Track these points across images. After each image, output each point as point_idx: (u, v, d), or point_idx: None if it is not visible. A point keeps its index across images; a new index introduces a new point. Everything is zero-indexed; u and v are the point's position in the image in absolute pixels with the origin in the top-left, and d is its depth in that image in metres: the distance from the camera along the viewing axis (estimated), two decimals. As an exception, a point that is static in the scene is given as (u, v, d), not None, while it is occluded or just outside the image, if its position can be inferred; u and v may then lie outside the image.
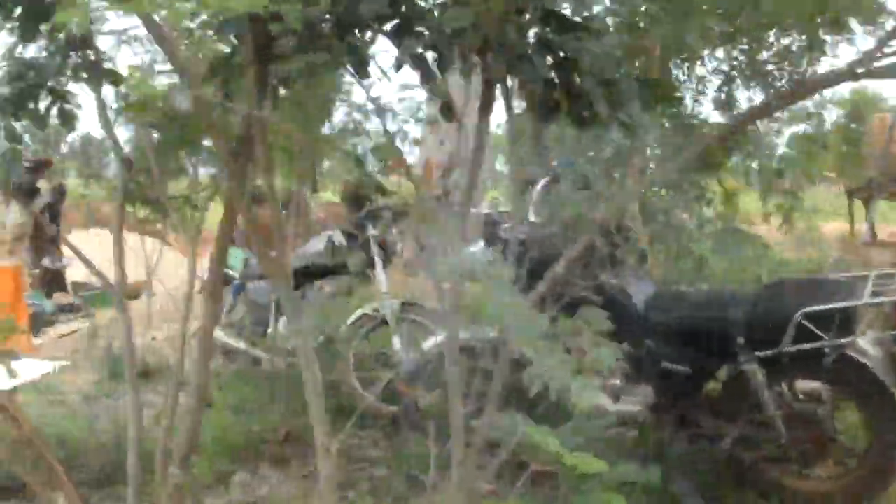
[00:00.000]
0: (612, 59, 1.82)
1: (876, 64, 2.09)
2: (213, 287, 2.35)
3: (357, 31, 1.77)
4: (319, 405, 2.12)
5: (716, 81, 3.50)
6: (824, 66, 2.97)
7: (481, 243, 3.64)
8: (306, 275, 4.77)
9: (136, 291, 9.45)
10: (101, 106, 2.28)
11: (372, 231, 4.71)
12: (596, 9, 2.16)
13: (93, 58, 2.13)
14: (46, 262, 8.66)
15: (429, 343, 3.76)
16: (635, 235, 3.60)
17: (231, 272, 5.23)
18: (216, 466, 3.75)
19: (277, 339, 4.89)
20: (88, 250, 2.66)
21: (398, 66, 1.77)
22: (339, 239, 4.71)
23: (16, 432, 2.60)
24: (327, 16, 1.70)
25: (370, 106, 2.46)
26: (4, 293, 6.19)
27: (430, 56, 1.76)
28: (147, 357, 5.15)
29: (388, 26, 1.76)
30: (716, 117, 3.69)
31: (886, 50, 2.06)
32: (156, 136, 2.49)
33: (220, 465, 3.79)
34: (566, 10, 1.85)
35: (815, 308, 2.89)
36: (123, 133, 2.68)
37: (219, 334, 5.21)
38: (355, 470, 3.80)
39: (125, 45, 2.50)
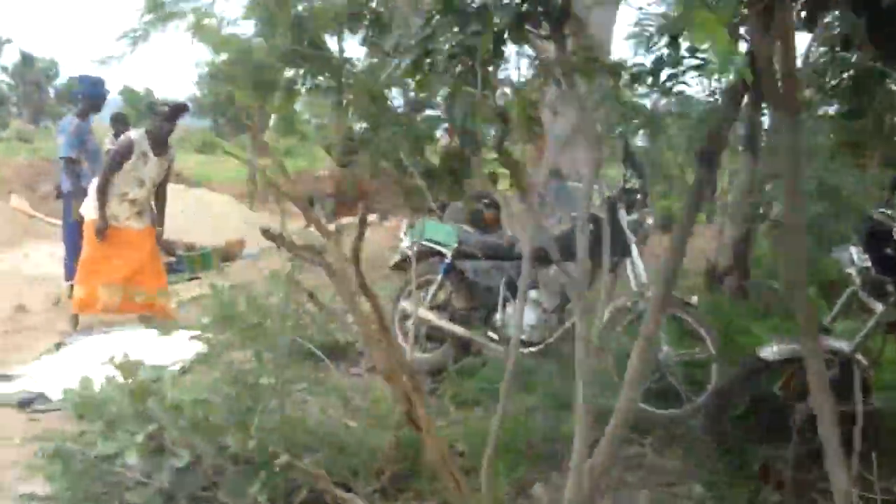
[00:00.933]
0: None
1: None
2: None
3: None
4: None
5: None
6: None
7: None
8: (540, 259, 4.29)
9: (233, 253, 9.05)
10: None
11: (624, 213, 4.26)
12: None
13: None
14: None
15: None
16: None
17: (437, 246, 4.82)
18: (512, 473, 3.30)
19: (505, 324, 4.48)
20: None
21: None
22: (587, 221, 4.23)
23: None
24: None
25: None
26: (145, 254, 5.91)
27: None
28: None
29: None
30: None
31: None
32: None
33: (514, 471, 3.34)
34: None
35: None
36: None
37: (427, 314, 4.79)
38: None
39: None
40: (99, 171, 6.35)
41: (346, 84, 12.04)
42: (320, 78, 12.46)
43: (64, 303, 6.46)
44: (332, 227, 10.12)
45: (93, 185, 5.84)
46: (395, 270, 5.44)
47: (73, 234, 6.52)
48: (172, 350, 4.43)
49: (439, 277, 4.81)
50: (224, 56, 12.34)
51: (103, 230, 5.65)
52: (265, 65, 11.09)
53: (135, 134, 5.83)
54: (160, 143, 5.83)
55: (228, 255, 8.81)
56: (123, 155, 5.71)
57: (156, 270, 5.98)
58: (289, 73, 13.08)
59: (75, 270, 6.41)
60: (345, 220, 10.39)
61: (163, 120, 5.79)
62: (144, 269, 5.87)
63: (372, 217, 10.52)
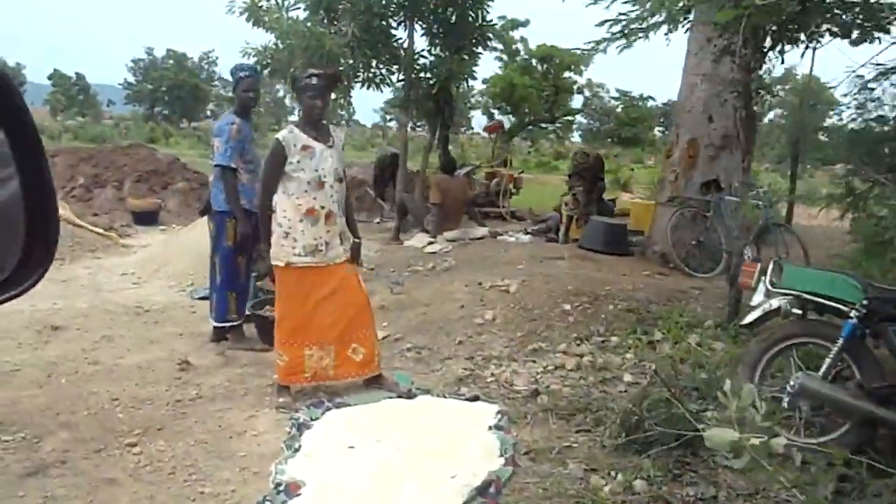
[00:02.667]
0: None
1: None
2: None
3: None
4: None
5: None
6: None
7: None
8: None
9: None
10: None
11: None
12: None
13: None
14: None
15: None
16: None
17: (829, 302, 3.88)
18: None
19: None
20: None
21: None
22: None
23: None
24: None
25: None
26: (356, 295, 4.67)
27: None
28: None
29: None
30: None
31: None
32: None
33: None
34: None
35: None
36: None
37: (832, 392, 3.77)
38: None
39: None
40: (250, 187, 5.11)
41: (416, 78, 10.65)
42: (391, 68, 11.03)
43: (229, 354, 5.35)
44: (445, 238, 8.89)
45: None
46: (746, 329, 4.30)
47: (228, 261, 5.52)
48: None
49: (838, 343, 3.72)
50: (281, 42, 10.93)
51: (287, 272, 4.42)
52: (334, 53, 9.70)
53: (282, 132, 4.45)
54: (319, 127, 4.48)
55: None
56: (276, 159, 4.34)
57: (369, 315, 4.64)
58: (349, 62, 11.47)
59: (228, 307, 5.25)
60: (448, 232, 9.08)
61: (315, 95, 4.37)
62: (359, 316, 4.54)
63: (483, 231, 9.24)
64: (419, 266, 8.25)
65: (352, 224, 4.61)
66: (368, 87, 12.32)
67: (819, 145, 7.96)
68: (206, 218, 6.56)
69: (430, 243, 9.00)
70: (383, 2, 11.27)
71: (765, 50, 5.21)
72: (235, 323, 5.57)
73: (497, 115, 32.41)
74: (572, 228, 9.38)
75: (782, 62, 5.31)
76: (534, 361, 5.09)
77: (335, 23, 11.17)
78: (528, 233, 9.98)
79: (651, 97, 67.03)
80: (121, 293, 7.40)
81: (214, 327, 5.68)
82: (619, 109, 61.56)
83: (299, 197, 4.30)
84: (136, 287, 7.73)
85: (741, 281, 4.33)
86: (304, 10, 11.33)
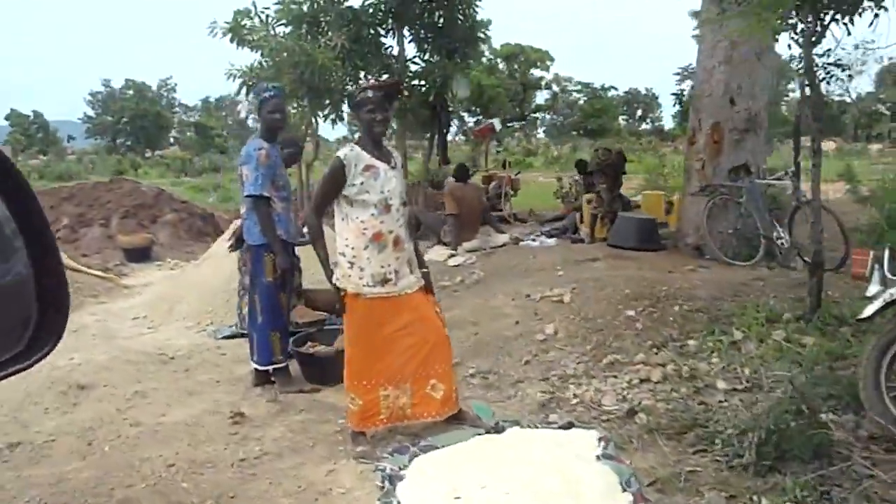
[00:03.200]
0: None
1: None
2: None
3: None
4: None
5: None
6: None
7: None
8: None
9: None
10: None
11: None
12: None
13: None
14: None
15: None
16: None
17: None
18: None
19: None
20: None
21: None
22: None
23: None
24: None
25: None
26: (432, 327, 4.16)
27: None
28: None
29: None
30: None
31: None
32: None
33: None
34: None
35: None
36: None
37: None
38: None
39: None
40: (285, 216, 4.71)
41: (410, 86, 10.24)
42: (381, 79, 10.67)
43: (282, 400, 4.89)
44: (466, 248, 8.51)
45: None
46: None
47: (270, 298, 5.12)
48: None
49: None
50: (268, 60, 10.48)
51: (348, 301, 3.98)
52: (326, 67, 9.27)
53: (342, 150, 4.00)
54: (381, 146, 4.07)
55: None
56: (335, 179, 3.89)
57: (448, 348, 4.24)
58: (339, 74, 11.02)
59: (273, 349, 5.16)
60: (467, 243, 8.70)
61: (373, 109, 3.90)
62: (437, 349, 4.14)
63: (504, 238, 8.87)
64: (446, 281, 7.86)
65: (417, 251, 4.21)
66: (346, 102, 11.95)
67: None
68: (216, 250, 6.16)
69: (451, 256, 8.60)
70: (370, 10, 10.89)
71: (824, 20, 4.88)
72: (282, 365, 5.14)
73: (468, 119, 32.16)
74: (597, 227, 9.04)
75: (848, 33, 4.99)
76: (615, 376, 4.72)
77: (321, 36, 10.76)
78: (550, 235, 9.64)
79: (613, 87, 67.37)
80: (138, 340, 6.93)
81: (257, 370, 5.25)
82: (580, 102, 61.82)
83: (364, 221, 3.88)
84: (153, 332, 7.25)
85: (853, 271, 3.99)
86: (287, 24, 10.92)
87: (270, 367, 5.13)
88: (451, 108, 12.26)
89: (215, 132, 56.32)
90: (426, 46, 11.35)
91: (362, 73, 10.91)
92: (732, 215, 7.86)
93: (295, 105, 11.27)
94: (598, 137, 51.52)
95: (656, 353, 4.92)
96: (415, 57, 11.36)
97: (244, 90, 11.15)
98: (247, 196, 5.00)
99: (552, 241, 8.95)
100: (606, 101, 62.62)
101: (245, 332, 6.72)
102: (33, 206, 1.09)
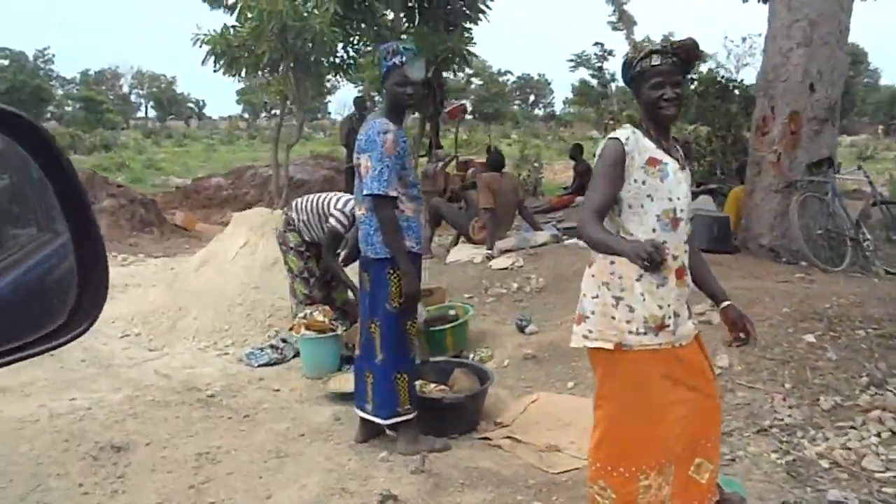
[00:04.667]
0: None
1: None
2: None
3: None
4: None
5: None
6: None
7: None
8: None
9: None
10: None
11: None
12: None
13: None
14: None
15: None
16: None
17: None
18: None
19: None
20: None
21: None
22: None
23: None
24: None
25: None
26: (707, 388, 2.97)
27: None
28: None
29: None
30: None
31: None
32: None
33: None
34: None
35: None
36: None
37: None
38: None
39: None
40: (416, 222, 3.63)
41: None
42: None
43: (429, 468, 3.65)
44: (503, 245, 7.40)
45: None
46: None
47: (395, 330, 3.93)
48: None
49: None
50: (243, 22, 9.00)
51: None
52: (322, 34, 7.96)
53: (620, 131, 2.74)
54: (668, 136, 2.90)
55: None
56: (615, 169, 2.67)
57: (719, 416, 3.13)
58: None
59: (399, 396, 3.97)
60: (501, 241, 7.67)
61: (662, 83, 2.66)
62: (709, 418, 2.96)
63: (545, 236, 7.84)
64: (499, 288, 6.74)
65: (708, 277, 3.02)
66: (336, 75, 10.59)
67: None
68: (217, 250, 4.88)
69: (489, 256, 7.48)
70: (365, -28, 9.56)
71: None
72: (409, 417, 3.92)
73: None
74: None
75: None
76: (850, 427, 3.77)
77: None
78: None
79: (509, 71, 67.25)
80: (145, 368, 5.47)
81: (365, 421, 4.01)
82: (473, 86, 61.33)
83: (635, 233, 2.73)
84: (157, 355, 5.79)
85: None
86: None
87: (395, 421, 3.89)
88: (445, 87, 11.08)
89: (105, 107, 52.32)
90: (422, 17, 10.10)
91: (355, 43, 9.57)
92: (818, 215, 7.11)
93: (271, 77, 9.81)
94: (493, 122, 51.00)
95: (881, 395, 4.00)
96: (409, 27, 10.09)
97: (212, 59, 9.60)
98: (367, 195, 3.73)
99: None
100: (501, 85, 62.30)
101: (278, 356, 5.46)
102: (75, 184, 1.10)
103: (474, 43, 9.93)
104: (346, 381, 4.83)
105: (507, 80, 64.53)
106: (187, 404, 4.72)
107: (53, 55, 65.52)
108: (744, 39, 59.01)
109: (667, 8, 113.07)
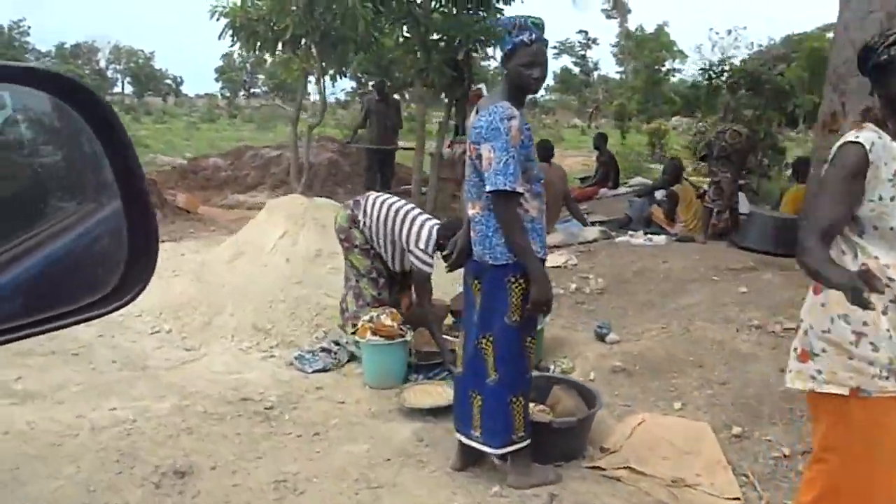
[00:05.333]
0: None
1: None
2: None
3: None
4: None
5: None
6: None
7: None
8: None
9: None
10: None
11: None
12: None
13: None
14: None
15: None
16: None
17: None
18: None
19: None
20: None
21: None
22: None
23: None
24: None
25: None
26: None
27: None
28: None
29: None
30: None
31: None
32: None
33: None
34: None
35: None
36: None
37: None
38: None
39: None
40: (540, 222, 3.37)
41: (433, 41, 8.44)
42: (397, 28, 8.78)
43: None
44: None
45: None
46: None
47: (513, 347, 3.42)
48: None
49: None
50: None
51: None
52: (353, 10, 7.44)
53: (863, 134, 2.29)
54: None
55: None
56: (855, 177, 2.24)
57: None
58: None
59: (513, 422, 3.45)
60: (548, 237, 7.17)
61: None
62: None
63: (595, 232, 7.41)
64: (556, 287, 6.26)
65: None
66: (356, 53, 10.01)
67: None
68: (251, 238, 4.44)
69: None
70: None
71: None
72: (523, 445, 3.43)
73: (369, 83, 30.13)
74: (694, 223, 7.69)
75: None
76: None
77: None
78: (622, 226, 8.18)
79: (492, 57, 66.69)
80: (184, 371, 4.93)
81: (464, 446, 3.53)
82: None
83: (888, 264, 2.27)
84: (194, 355, 5.25)
85: None
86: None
87: (508, 450, 3.41)
88: (474, 71, 10.55)
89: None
90: (450, -5, 9.54)
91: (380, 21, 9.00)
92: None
93: (291, 54, 9.20)
94: None
95: None
96: (438, 5, 9.51)
97: (230, 33, 8.97)
98: (490, 192, 3.23)
99: (661, 239, 7.45)
100: (484, 71, 61.60)
101: (332, 361, 4.97)
102: (130, 154, 1.11)
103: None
104: (423, 395, 4.36)
105: (489, 66, 64.08)
106: (245, 417, 4.21)
107: (29, 27, 63.65)
108: (729, 32, 59.34)
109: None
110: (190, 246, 9.05)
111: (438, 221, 5.01)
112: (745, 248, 6.85)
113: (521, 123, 3.26)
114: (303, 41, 8.94)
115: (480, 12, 9.55)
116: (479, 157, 3.28)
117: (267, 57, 10.47)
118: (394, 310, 4.81)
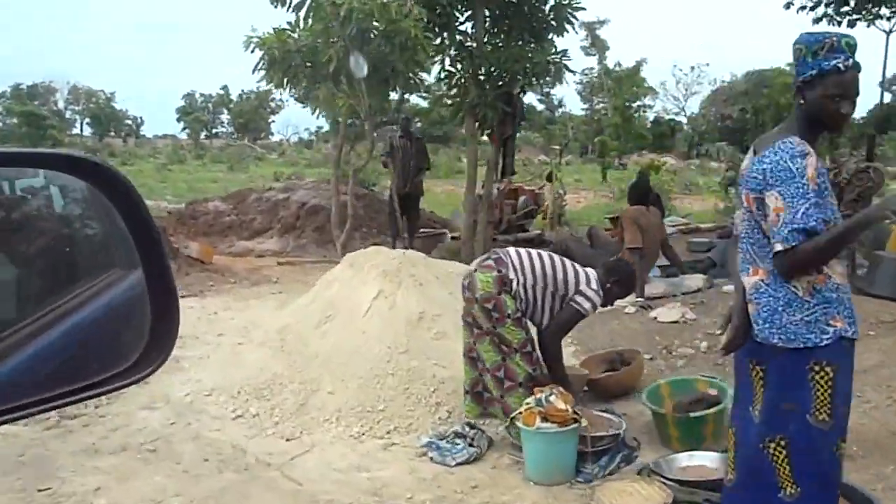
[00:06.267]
0: None
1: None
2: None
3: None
4: None
5: None
6: None
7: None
8: None
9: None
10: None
11: None
12: None
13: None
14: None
15: None
16: None
17: None
18: None
19: None
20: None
21: None
22: None
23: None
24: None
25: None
26: None
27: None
28: None
29: None
30: None
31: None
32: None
33: None
34: None
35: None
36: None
37: None
38: None
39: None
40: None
41: (487, 75, 7.75)
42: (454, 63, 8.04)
43: None
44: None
45: None
46: None
47: (816, 445, 2.64)
48: None
49: None
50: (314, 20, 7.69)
51: None
52: (416, 39, 6.74)
53: None
54: None
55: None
56: None
57: None
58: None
59: None
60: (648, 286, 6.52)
61: None
62: None
63: (698, 281, 6.70)
64: (686, 347, 5.55)
65: None
66: (395, 88, 9.26)
67: None
68: (333, 296, 3.82)
69: (645, 306, 6.26)
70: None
71: None
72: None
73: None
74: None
75: None
76: None
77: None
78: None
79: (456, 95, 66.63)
80: (300, 469, 4.03)
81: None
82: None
83: None
84: (299, 446, 4.34)
85: None
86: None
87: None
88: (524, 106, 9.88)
89: (49, 122, 49.26)
90: (503, 26, 8.88)
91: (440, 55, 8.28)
92: None
93: (335, 88, 8.40)
94: (442, 145, 49.77)
95: None
96: (492, 39, 8.85)
97: (266, 64, 8.17)
98: (780, 251, 2.47)
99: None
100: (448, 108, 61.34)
101: (475, 449, 4.14)
102: (150, 226, 1.12)
103: (569, 57, 8.71)
104: (622, 496, 3.53)
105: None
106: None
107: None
108: (692, 68, 60.15)
109: (641, 34, 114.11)
110: (222, 303, 8.14)
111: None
112: (875, 295, 6.19)
113: (818, 164, 2.52)
114: (342, 74, 8.17)
115: (531, 45, 8.89)
116: (762, 207, 2.53)
117: (286, 93, 9.58)
118: (562, 389, 3.98)
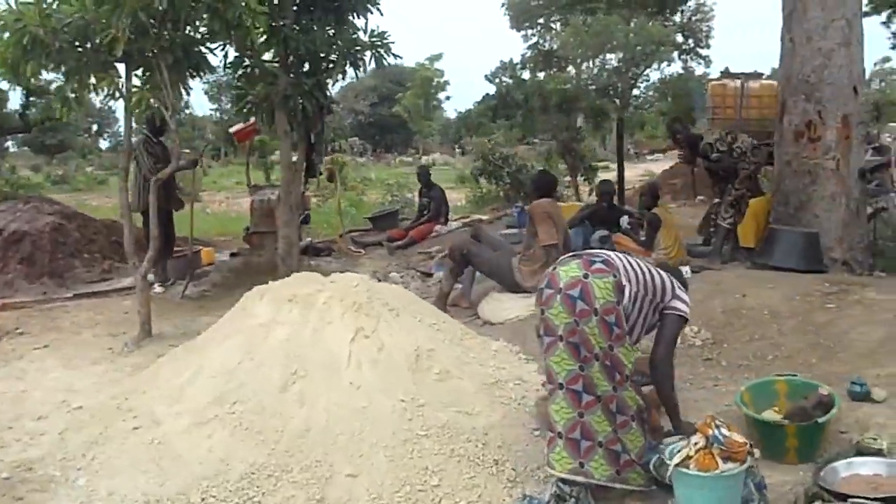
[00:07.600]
0: None
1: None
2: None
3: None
4: None
5: None
6: None
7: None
8: None
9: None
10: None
11: None
12: None
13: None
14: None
15: None
16: None
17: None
18: None
19: None
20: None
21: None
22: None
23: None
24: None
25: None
26: None
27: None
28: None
29: None
30: None
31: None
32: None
33: None
34: None
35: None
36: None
37: None
38: None
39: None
40: None
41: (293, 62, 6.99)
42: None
43: None
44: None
45: None
46: None
47: None
48: None
49: None
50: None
51: None
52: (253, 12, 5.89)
53: None
54: None
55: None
56: None
57: None
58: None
59: None
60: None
61: None
62: None
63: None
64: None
65: None
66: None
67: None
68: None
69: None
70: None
71: None
72: None
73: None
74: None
75: None
76: None
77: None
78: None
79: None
80: None
81: None
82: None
83: None
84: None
85: None
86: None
87: None
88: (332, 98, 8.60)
89: None
90: (308, 4, 7.64)
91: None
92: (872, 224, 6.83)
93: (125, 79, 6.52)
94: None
95: None
96: (300, 19, 7.55)
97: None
98: None
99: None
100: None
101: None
102: None
103: (388, 38, 7.70)
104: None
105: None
106: None
107: None
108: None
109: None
110: (108, 376, 5.82)
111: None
112: (771, 266, 6.39)
113: None
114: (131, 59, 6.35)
115: (335, 26, 7.77)
116: None
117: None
118: (721, 418, 3.24)
